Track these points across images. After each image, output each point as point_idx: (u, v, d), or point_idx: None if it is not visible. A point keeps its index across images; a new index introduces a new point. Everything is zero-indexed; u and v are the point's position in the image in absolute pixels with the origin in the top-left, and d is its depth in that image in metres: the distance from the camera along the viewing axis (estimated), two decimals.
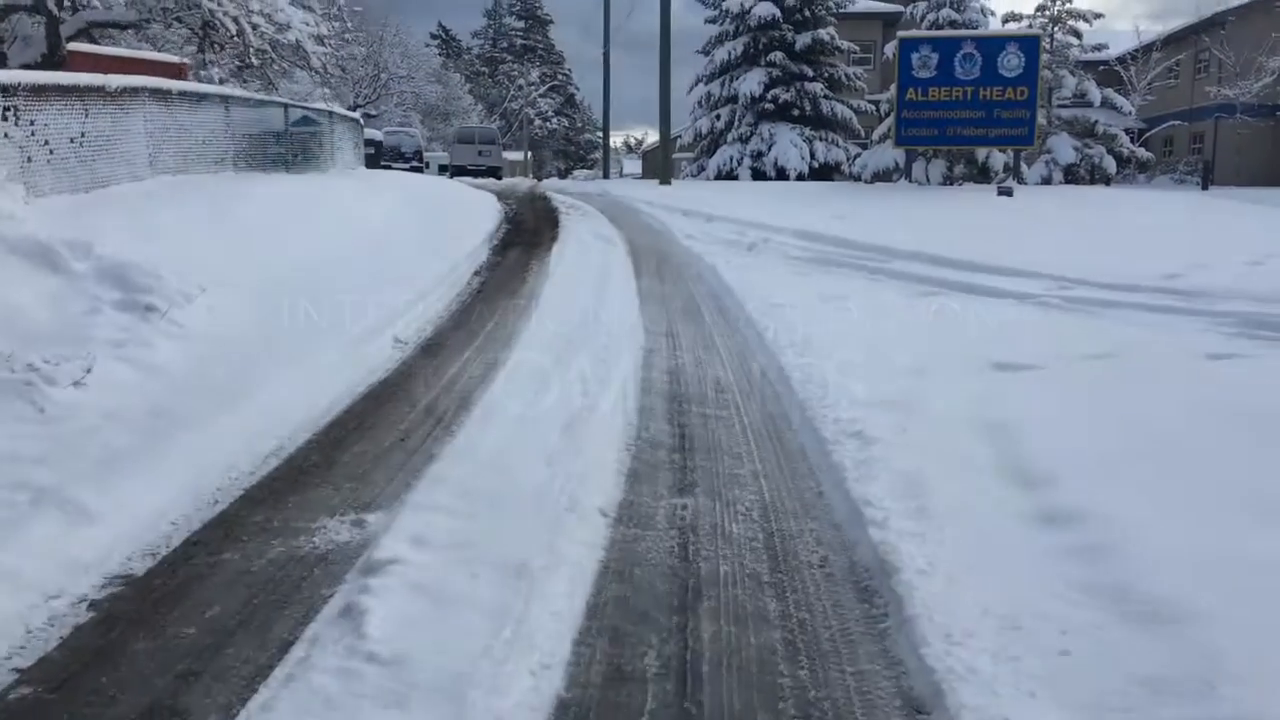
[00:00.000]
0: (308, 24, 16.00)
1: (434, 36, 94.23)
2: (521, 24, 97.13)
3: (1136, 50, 40.15)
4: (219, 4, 14.48)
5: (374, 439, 5.43)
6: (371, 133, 30.92)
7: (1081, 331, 8.08)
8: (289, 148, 16.67)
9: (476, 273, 11.44)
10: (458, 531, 3.98)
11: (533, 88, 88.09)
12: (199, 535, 4.17)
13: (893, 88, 25.73)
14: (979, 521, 4.01)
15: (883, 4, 42.25)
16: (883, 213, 17.89)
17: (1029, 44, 22.98)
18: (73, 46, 16.04)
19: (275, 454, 5.18)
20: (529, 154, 77.15)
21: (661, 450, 5.31)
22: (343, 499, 4.56)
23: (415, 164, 41.24)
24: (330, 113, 19.10)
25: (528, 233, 15.56)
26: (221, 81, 20.72)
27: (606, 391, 6.09)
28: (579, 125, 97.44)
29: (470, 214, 16.57)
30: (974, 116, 23.21)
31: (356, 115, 21.82)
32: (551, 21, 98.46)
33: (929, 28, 27.02)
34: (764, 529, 4.28)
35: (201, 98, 13.20)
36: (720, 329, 8.50)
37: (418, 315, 8.57)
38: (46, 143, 9.76)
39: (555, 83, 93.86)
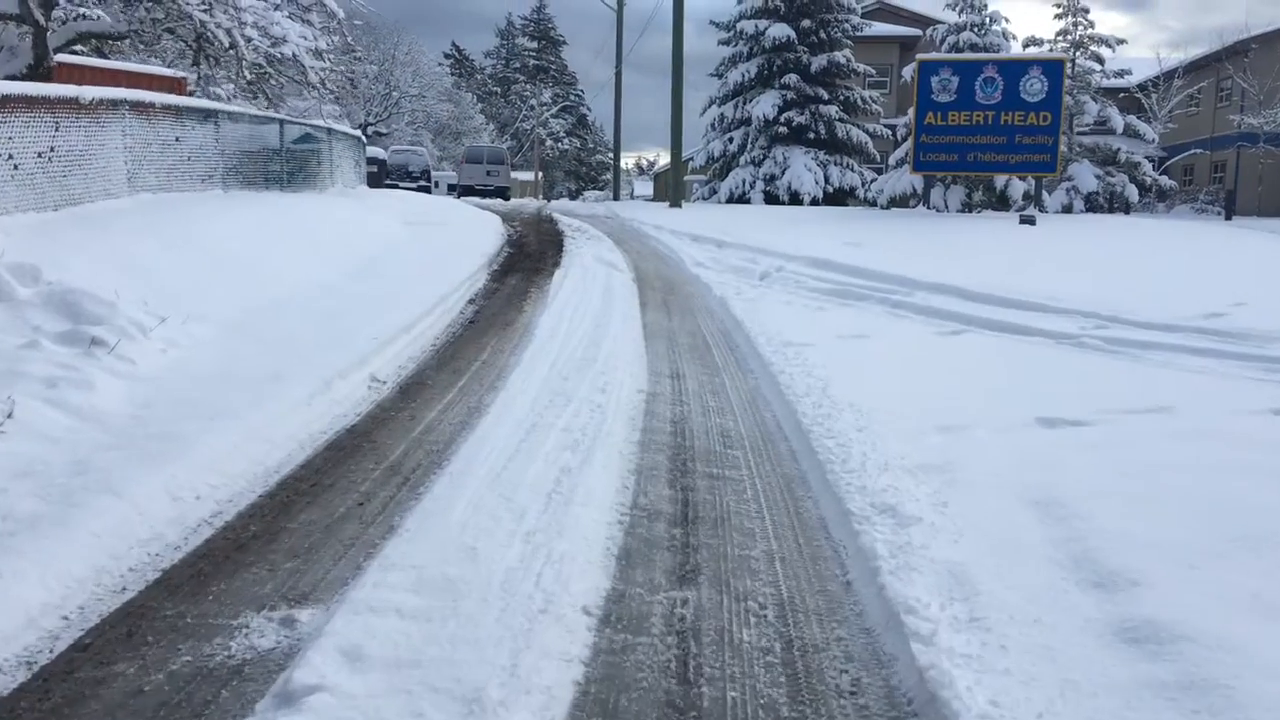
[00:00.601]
0: (305, 38, 15.36)
1: (447, 56, 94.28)
2: (535, 44, 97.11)
3: (1158, 77, 39.47)
4: (211, 15, 13.84)
5: (328, 504, 4.68)
6: (375, 151, 30.36)
7: (1126, 378, 7.32)
8: (284, 165, 16.06)
9: (471, 300, 10.72)
10: (405, 642, 3.23)
11: (545, 108, 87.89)
12: (93, 636, 3.42)
13: (911, 111, 25.05)
14: (1047, 638, 3.24)
15: (900, 27, 41.69)
16: (901, 240, 17.16)
17: (1053, 68, 22.28)
18: (64, 58, 15.45)
19: (210, 521, 4.45)
20: (540, 174, 76.82)
21: (660, 523, 4.55)
22: (276, 585, 3.82)
23: (423, 183, 40.71)
24: (329, 130, 18.50)
25: (530, 257, 14.87)
26: (231, 98, 20.22)
27: (600, 446, 5.34)
28: (591, 146, 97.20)
29: (471, 236, 15.90)
30: (995, 142, 22.50)
31: (357, 133, 21.23)
32: (565, 43, 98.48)
33: (949, 51, 26.36)
34: (781, 636, 3.51)
35: (187, 112, 12.57)
36: (730, 371, 7.76)
37: (401, 350, 7.85)
38: (10, 157, 9.11)
39: (567, 103, 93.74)
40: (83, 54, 16.92)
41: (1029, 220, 19.35)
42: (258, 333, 7.56)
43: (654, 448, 5.60)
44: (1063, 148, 25.52)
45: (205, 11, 14.02)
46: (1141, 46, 33.57)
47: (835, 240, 16.59)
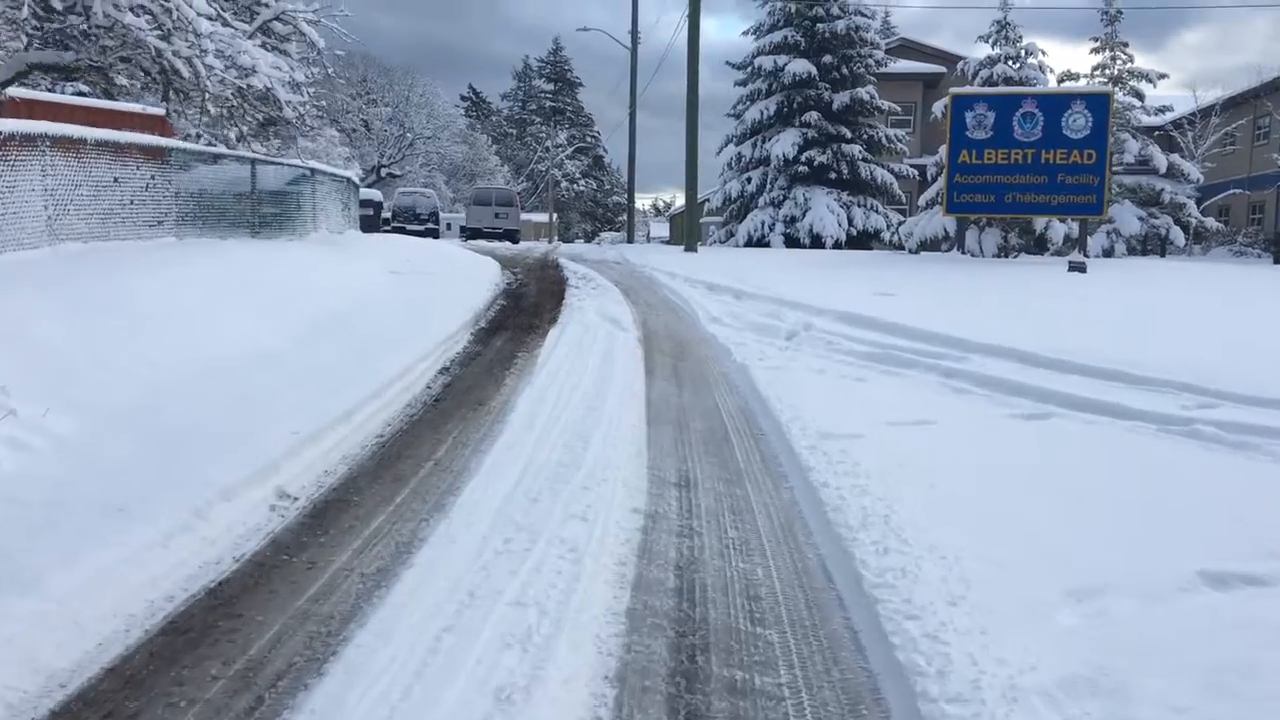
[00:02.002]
0: (279, 69, 13.82)
1: (464, 98, 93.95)
2: (551, 86, 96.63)
3: (1194, 114, 37.77)
4: (169, 42, 12.31)
5: None
6: (370, 193, 28.86)
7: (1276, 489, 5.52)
8: (255, 210, 14.47)
9: (444, 369, 8.99)
10: None
11: (560, 149, 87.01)
12: None
13: (943, 149, 23.40)
14: None
15: (923, 64, 40.22)
16: (939, 290, 15.41)
17: (1097, 102, 20.60)
18: (22, 93, 13.98)
19: None
20: (554, 216, 75.65)
21: None
22: None
23: (431, 226, 39.25)
24: (312, 170, 16.94)
25: (525, 311, 13.18)
26: (240, 139, 18.81)
27: (565, 637, 3.56)
28: (607, 187, 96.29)
29: (461, 287, 14.24)
30: (1035, 182, 20.80)
31: (348, 174, 19.68)
32: (581, 85, 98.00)
33: (982, 84, 24.71)
34: None
35: (130, 149, 10.99)
36: (755, 476, 5.97)
37: (332, 447, 6.11)
38: None
39: (583, 144, 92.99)
40: (42, 89, 15.50)
41: (1079, 267, 17.56)
42: (143, 426, 5.83)
43: (648, 628, 3.79)
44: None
45: (162, 38, 12.49)
46: (1168, 85, 31.93)
47: (866, 290, 14.85)
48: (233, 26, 13.75)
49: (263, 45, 14.99)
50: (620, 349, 10.09)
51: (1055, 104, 20.58)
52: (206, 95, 12.85)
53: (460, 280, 15.09)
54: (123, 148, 10.88)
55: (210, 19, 12.87)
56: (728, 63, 35.87)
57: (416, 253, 18.90)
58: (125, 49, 12.86)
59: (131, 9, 12.19)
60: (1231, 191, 39.17)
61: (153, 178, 11.52)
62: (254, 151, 18.49)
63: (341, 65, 73.95)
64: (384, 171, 72.67)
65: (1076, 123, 20.38)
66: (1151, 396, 7.90)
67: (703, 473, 5.98)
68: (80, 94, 15.86)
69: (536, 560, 4.20)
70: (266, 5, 15.16)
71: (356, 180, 21.70)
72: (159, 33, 12.35)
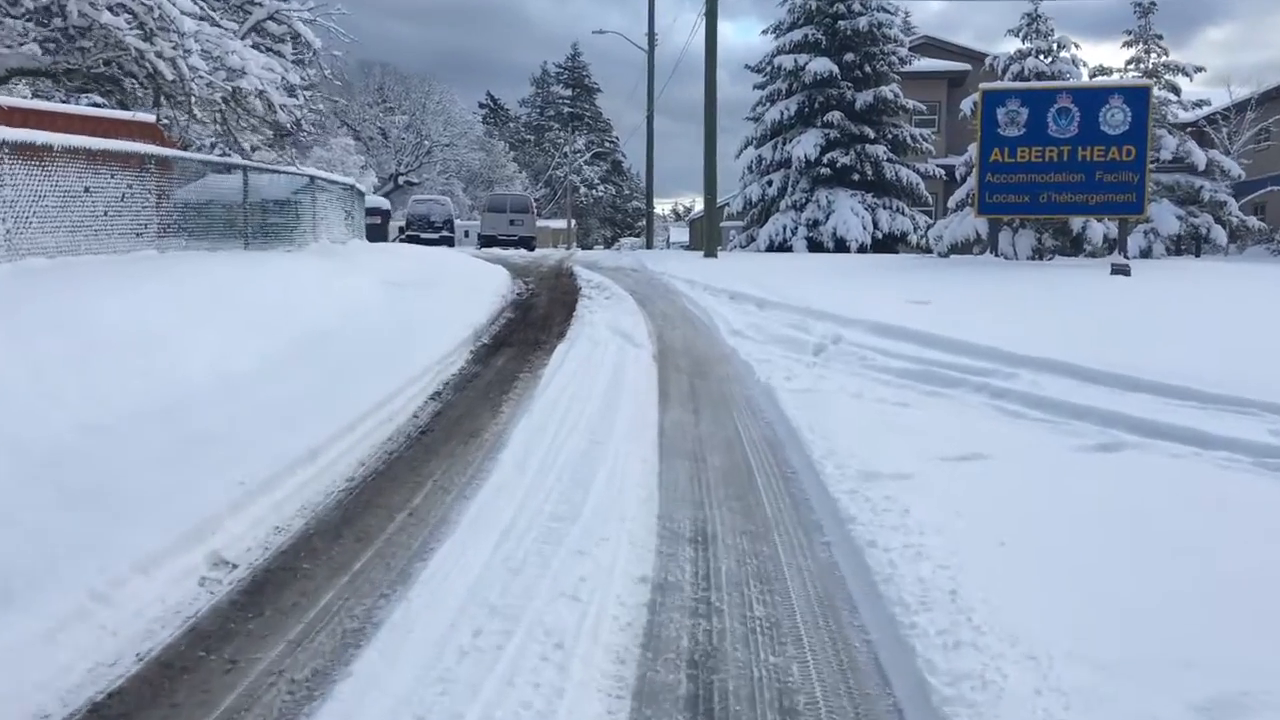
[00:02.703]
0: (271, 69, 13.02)
1: (482, 105, 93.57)
2: (569, 92, 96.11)
3: (1228, 109, 36.51)
4: (150, 43, 11.52)
5: None
6: (377, 201, 28.07)
7: None
8: (247, 219, 13.70)
9: (436, 395, 8.13)
10: None
11: (578, 155, 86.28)
12: None
13: (973, 148, 22.39)
14: None
15: (948, 62, 39.17)
16: (976, 297, 14.42)
17: (1137, 96, 19.52)
18: (8, 101, 13.26)
19: None
20: (572, 222, 74.92)
21: None
22: None
23: (445, 234, 38.46)
24: (312, 178, 16.15)
25: (532, 325, 12.33)
26: (254, 149, 18.08)
27: None
28: (626, 192, 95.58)
29: (464, 300, 13.37)
30: (1071, 180, 19.74)
31: (350, 180, 18.89)
32: (599, 90, 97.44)
33: (1012, 80, 23.65)
34: None
35: (103, 156, 10.20)
36: (786, 529, 5.04)
37: (287, 497, 5.24)
38: None
39: (602, 150, 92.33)
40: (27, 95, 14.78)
41: (1122, 270, 16.51)
42: (69, 475, 4.98)
43: None
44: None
45: (144, 39, 11.71)
46: (1200, 80, 30.81)
47: (898, 297, 13.90)
48: (221, 26, 12.95)
49: (255, 46, 14.20)
50: (631, 368, 9.19)
51: (1092, 98, 19.51)
52: (193, 98, 12.02)
53: (465, 292, 14.24)
54: (95, 155, 10.10)
55: (196, 18, 12.07)
56: (747, 66, 35.06)
57: (422, 263, 18.08)
58: (107, 50, 12.07)
59: (110, 8, 11.42)
60: (1270, 189, 37.84)
61: (130, 186, 10.73)
62: (257, 161, 17.76)
63: (357, 73, 73.54)
64: (401, 179, 72.17)
65: (1115, 118, 19.32)
66: (1235, 419, 6.94)
67: (723, 524, 5.07)
68: (95, 104, 15.10)
69: (510, 664, 3.29)
70: (259, 4, 14.37)
71: (362, 188, 20.92)
72: (139, 33, 11.55)
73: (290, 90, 14.08)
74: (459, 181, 76.87)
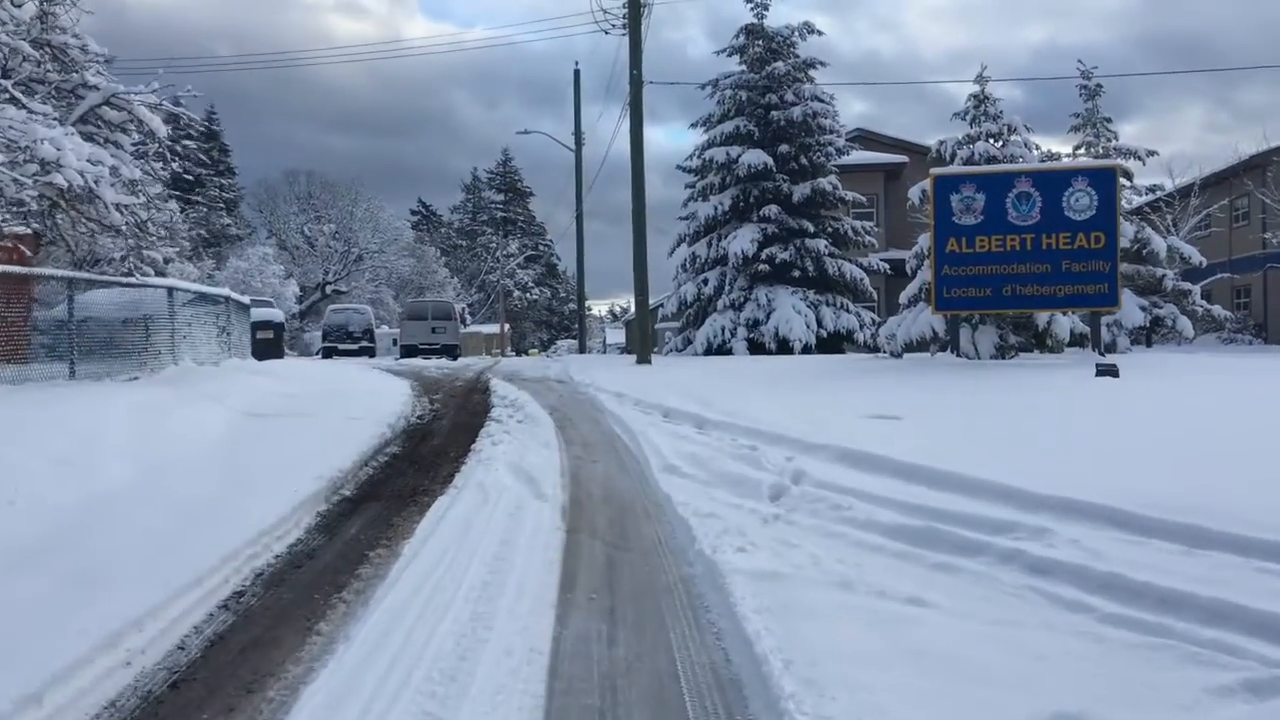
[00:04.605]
0: (99, 163, 10.58)
1: (414, 212, 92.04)
2: (501, 196, 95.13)
3: (1172, 194, 35.74)
4: None
5: None
6: (269, 313, 25.41)
7: None
8: (73, 342, 11.14)
9: (233, 598, 5.54)
10: None
11: (511, 259, 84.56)
12: None
13: (923, 239, 20.67)
14: None
15: (883, 154, 38.16)
16: (953, 408, 12.21)
17: (1103, 178, 17.96)
18: None
19: None
20: (506, 327, 72.71)
21: None
22: None
23: (365, 344, 36.01)
24: (170, 290, 13.64)
25: (417, 464, 9.82)
26: (167, 261, 15.61)
27: None
28: (562, 295, 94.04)
29: (341, 431, 10.82)
30: (1036, 271, 18.01)
31: (224, 291, 16.38)
32: (532, 194, 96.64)
33: (963, 164, 22.08)
34: None
35: None
36: None
37: None
38: None
39: (535, 253, 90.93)
40: None
41: (1109, 370, 14.50)
42: None
43: None
44: None
45: None
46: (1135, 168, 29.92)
47: (861, 409, 11.67)
48: (28, 109, 10.53)
49: (90, 137, 11.79)
50: (527, 538, 6.70)
51: (1054, 181, 17.88)
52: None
53: (344, 421, 11.68)
54: None
55: None
56: (678, 166, 33.40)
57: (309, 383, 15.52)
58: None
59: None
60: (1218, 275, 36.92)
61: None
62: (167, 277, 15.31)
63: (281, 181, 71.35)
64: (329, 288, 69.57)
65: (1080, 202, 17.68)
66: None
67: None
68: None
69: None
70: (94, 88, 12.01)
71: (244, 300, 18.39)
72: None
73: (131, 186, 11.63)
74: (389, 289, 74.47)
